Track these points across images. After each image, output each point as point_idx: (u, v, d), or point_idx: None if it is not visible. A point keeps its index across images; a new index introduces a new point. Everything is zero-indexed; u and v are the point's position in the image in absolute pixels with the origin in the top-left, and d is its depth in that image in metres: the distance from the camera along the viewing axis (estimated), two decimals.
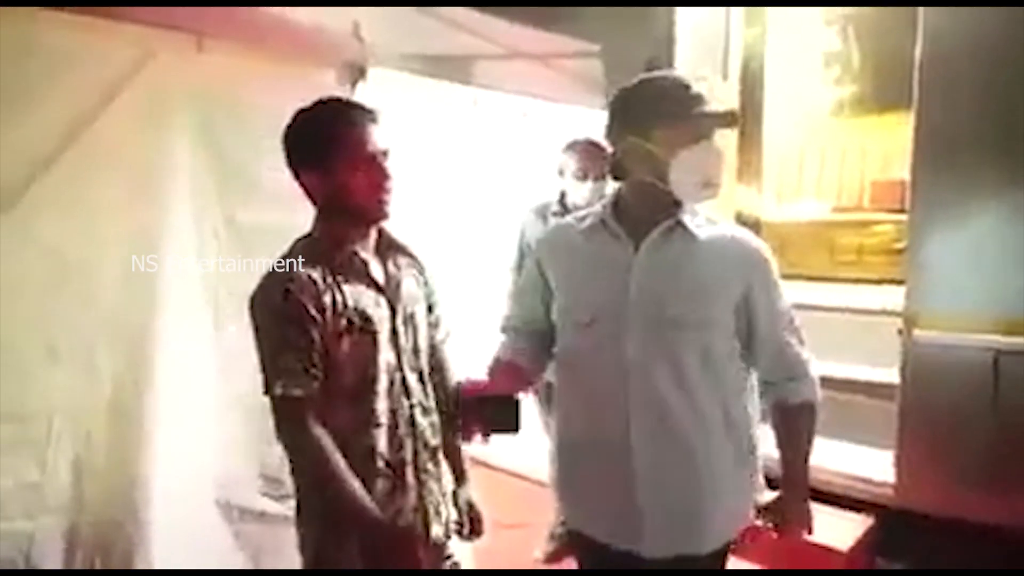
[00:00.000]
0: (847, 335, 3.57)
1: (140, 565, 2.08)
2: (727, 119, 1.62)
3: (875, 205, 4.61)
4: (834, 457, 3.15)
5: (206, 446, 2.26)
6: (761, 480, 1.72)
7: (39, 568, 1.94)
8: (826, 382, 3.43)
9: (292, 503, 2.30)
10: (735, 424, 1.59)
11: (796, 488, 1.69)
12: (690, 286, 1.52)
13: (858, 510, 2.99)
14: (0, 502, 1.92)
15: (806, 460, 1.68)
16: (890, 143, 4.64)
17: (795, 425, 1.65)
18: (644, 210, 1.57)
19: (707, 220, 1.59)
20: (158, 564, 2.11)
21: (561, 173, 2.98)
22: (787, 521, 1.70)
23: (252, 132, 2.31)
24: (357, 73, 2.55)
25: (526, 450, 2.87)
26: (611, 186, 2.70)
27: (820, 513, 2.88)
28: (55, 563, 1.98)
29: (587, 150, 2.85)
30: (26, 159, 1.93)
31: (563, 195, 2.99)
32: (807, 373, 1.62)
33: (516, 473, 3.58)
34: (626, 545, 1.61)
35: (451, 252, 2.54)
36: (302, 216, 2.34)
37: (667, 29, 3.01)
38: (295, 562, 2.31)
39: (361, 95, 2.50)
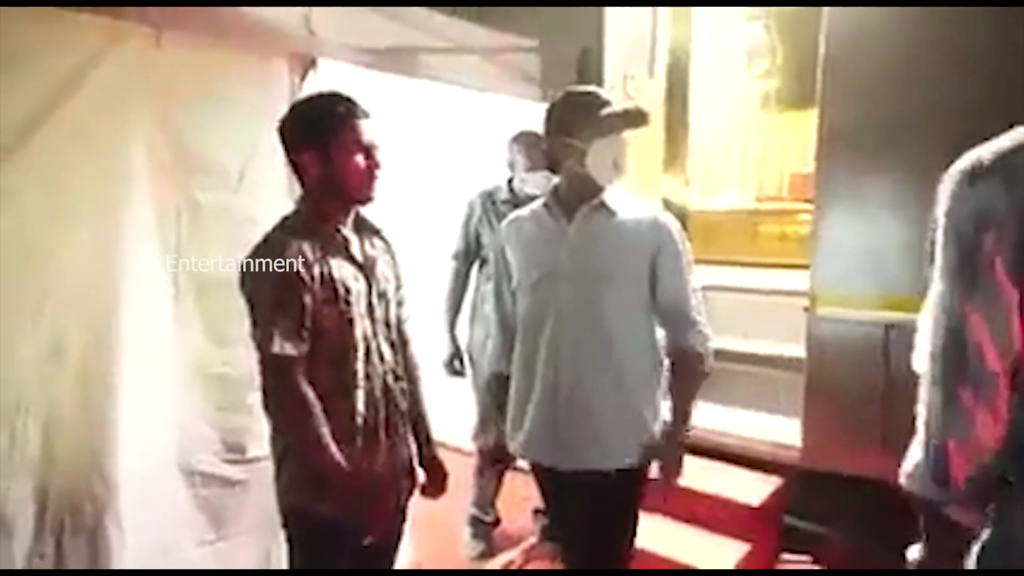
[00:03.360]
0: (766, 316, 3.88)
1: (110, 524, 2.20)
2: (630, 117, 1.92)
3: (794, 195, 4.92)
4: (752, 425, 3.45)
5: (168, 414, 2.38)
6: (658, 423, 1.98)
7: (11, 527, 2.06)
8: (748, 358, 3.70)
9: (251, 468, 2.49)
10: (639, 363, 1.92)
11: (672, 430, 1.94)
12: (609, 250, 1.88)
13: (772, 472, 3.29)
14: None
15: (687, 405, 1.95)
16: (808, 137, 4.95)
17: (682, 367, 1.95)
18: (575, 194, 1.93)
19: (627, 202, 1.93)
20: (126, 525, 2.24)
21: (511, 166, 3.15)
22: (661, 463, 1.95)
23: (208, 120, 2.44)
24: (308, 64, 2.68)
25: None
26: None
27: (736, 475, 3.23)
28: (27, 522, 2.09)
29: (534, 142, 2.97)
30: None
31: (510, 182, 3.16)
32: (699, 326, 1.92)
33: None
34: (549, 462, 1.97)
35: (402, 239, 2.71)
36: (253, 197, 2.51)
37: (598, 28, 3.22)
38: (255, 525, 2.49)
39: (311, 86, 2.65)
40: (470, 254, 3.24)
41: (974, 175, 1.12)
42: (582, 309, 1.88)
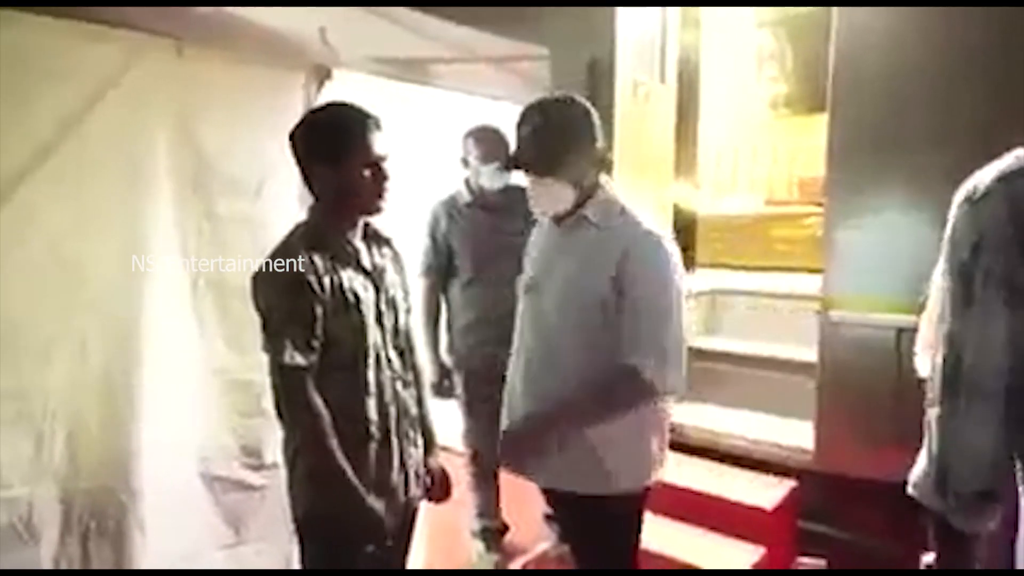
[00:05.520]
0: (776, 319, 3.89)
1: (133, 530, 2.25)
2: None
3: (803, 199, 4.93)
4: (763, 428, 3.46)
5: (188, 421, 2.42)
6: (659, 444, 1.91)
7: (39, 531, 2.10)
8: (757, 361, 3.68)
9: (270, 474, 2.53)
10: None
11: (543, 419, 1.78)
12: (585, 261, 1.82)
13: (784, 475, 3.30)
14: None
15: (570, 409, 1.76)
16: (817, 141, 4.97)
17: (608, 380, 1.74)
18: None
19: (620, 214, 1.85)
20: (149, 529, 2.28)
21: (465, 161, 3.05)
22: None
23: (227, 130, 2.49)
24: (324, 74, 2.74)
25: None
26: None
27: (748, 478, 3.24)
28: (53, 528, 2.13)
29: (487, 136, 2.96)
30: (20, 154, 2.07)
31: (467, 182, 3.07)
32: (648, 352, 1.71)
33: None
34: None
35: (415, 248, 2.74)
36: (271, 206, 2.55)
37: (609, 35, 3.24)
38: (275, 529, 2.52)
39: (327, 95, 2.69)
40: (442, 267, 3.08)
41: (972, 198, 1.18)
42: (567, 318, 1.82)
